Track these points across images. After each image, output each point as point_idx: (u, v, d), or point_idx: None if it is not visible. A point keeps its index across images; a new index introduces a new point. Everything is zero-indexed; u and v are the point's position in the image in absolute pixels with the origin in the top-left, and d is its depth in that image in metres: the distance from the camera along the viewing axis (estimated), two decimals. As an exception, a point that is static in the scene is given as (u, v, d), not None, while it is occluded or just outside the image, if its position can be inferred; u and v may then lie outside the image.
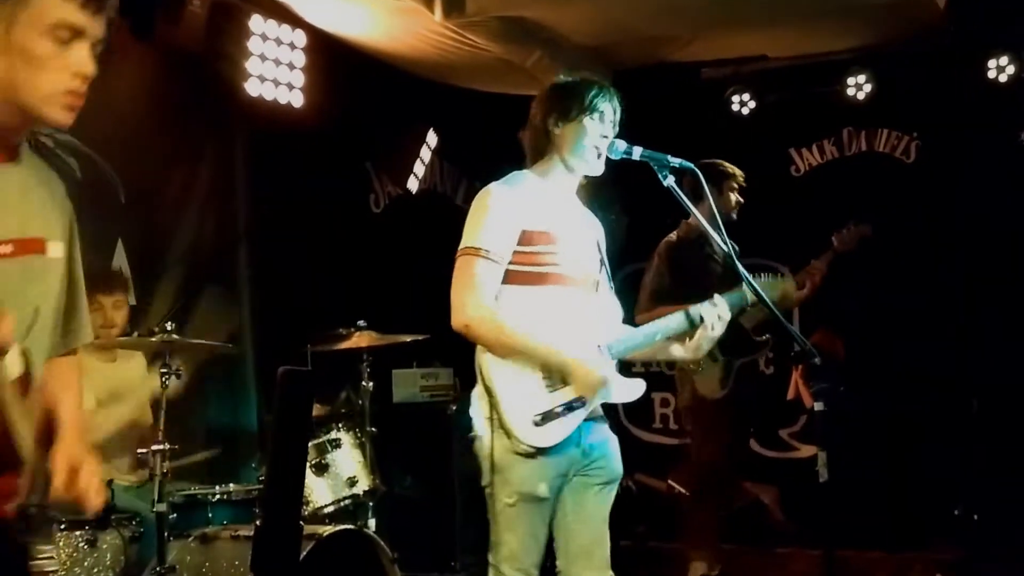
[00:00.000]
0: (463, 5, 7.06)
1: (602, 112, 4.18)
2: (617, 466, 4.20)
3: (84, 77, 2.56)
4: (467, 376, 4.22)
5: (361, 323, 6.52)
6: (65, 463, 2.56)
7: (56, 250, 2.71)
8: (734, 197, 6.77)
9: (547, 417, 3.95)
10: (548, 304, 4.05)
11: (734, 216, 6.74)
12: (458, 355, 4.52)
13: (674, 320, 4.28)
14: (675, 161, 4.08)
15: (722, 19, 7.83)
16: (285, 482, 5.27)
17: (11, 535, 2.38)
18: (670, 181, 4.09)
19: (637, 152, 4.13)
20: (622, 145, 4.16)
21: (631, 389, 4.22)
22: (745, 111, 9.42)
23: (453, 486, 7.29)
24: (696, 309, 4.25)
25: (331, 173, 8.10)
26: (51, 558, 2.50)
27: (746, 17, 7.82)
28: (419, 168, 8.87)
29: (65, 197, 2.83)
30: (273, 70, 7.27)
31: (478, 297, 3.95)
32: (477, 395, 4.06)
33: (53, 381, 2.76)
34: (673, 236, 6.76)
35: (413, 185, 8.84)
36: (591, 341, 4.14)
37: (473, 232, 4.05)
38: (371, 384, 6.47)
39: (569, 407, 3.99)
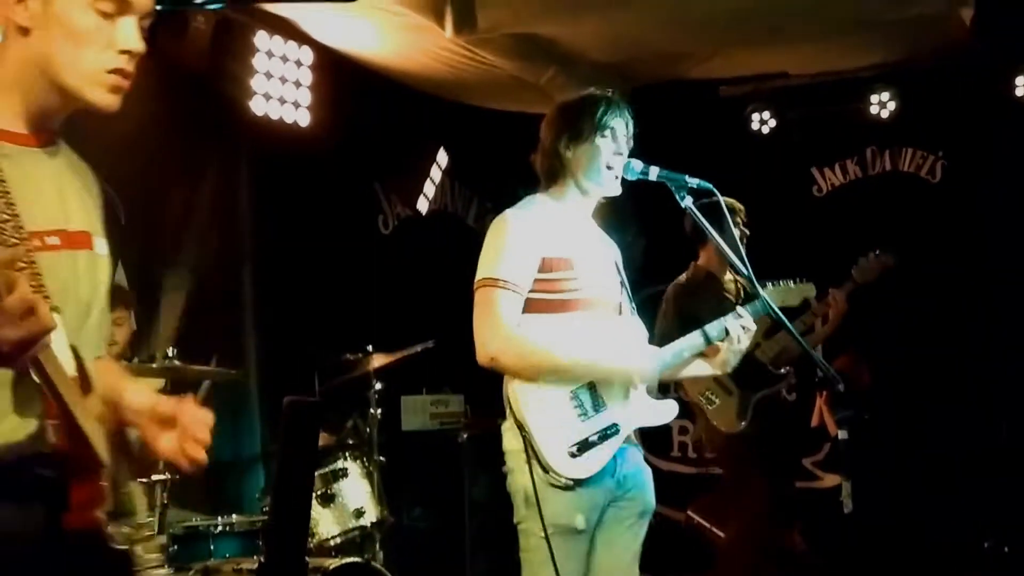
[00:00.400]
0: (474, 21, 7.05)
1: (613, 129, 4.17)
2: (650, 498, 4.18)
3: (131, 54, 2.46)
4: (478, 403, 4.20)
5: (369, 348, 6.51)
6: (159, 423, 2.57)
7: (102, 246, 2.63)
8: (738, 232, 6.73)
9: (583, 447, 3.93)
10: (573, 331, 4.03)
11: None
12: (469, 381, 4.50)
13: (699, 337, 4.29)
14: (693, 181, 4.07)
15: (742, 35, 7.81)
16: (290, 514, 5.25)
17: (107, 542, 2.33)
18: (688, 202, 4.09)
19: (654, 172, 4.12)
20: (639, 165, 4.15)
21: (663, 412, 4.21)
22: (765, 130, 9.42)
23: (464, 517, 7.27)
24: (720, 322, 4.26)
25: (338, 193, 8.10)
26: (160, 567, 2.51)
27: (766, 33, 7.80)
28: (429, 188, 8.87)
29: (103, 189, 2.76)
30: (279, 88, 7.28)
31: (501, 328, 3.93)
32: (507, 428, 4.04)
33: (107, 377, 2.70)
34: (682, 278, 6.72)
35: (423, 205, 8.84)
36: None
37: (491, 262, 4.03)
38: (379, 411, 6.45)
39: (604, 435, 3.98)
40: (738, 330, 4.23)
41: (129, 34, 2.45)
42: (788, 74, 9.08)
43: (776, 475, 6.91)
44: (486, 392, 4.33)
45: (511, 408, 3.97)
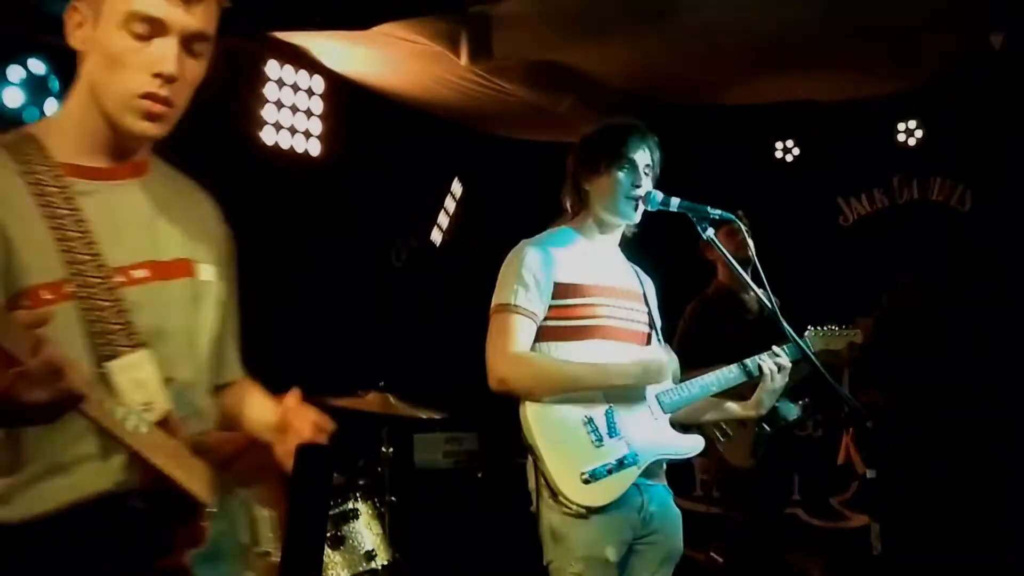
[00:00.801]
0: (490, 49, 7.07)
1: (633, 160, 4.18)
2: (677, 542, 4.17)
3: (164, 77, 2.42)
4: (494, 440, 4.19)
5: (380, 384, 6.50)
6: (279, 433, 2.55)
7: (208, 273, 2.64)
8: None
9: (596, 474, 3.91)
10: (592, 358, 4.04)
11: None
12: (484, 418, 4.50)
13: (730, 371, 4.28)
14: (715, 212, 4.09)
15: (765, 62, 7.81)
16: (301, 568, 5.23)
17: None
18: (710, 233, 4.10)
19: (675, 203, 4.13)
20: (659, 195, 4.16)
21: (687, 445, 4.20)
22: (789, 158, 9.41)
23: (480, 559, 7.24)
24: (754, 360, 4.25)
25: (349, 225, 8.11)
26: None
27: (790, 60, 7.80)
28: (443, 219, 8.87)
29: (217, 219, 2.78)
30: (289, 117, 7.31)
31: (509, 350, 3.95)
32: (530, 465, 4.03)
33: (233, 403, 2.75)
34: (703, 295, 6.73)
35: (436, 237, 8.84)
36: (642, 393, 4.13)
37: (505, 288, 4.08)
38: (391, 450, 6.44)
39: (620, 463, 3.96)
40: (772, 368, 4.23)
41: (162, 56, 2.41)
42: (813, 101, 9.06)
43: (772, 506, 6.97)
44: (503, 428, 4.31)
45: (523, 434, 3.97)
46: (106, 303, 2.34)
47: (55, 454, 2.32)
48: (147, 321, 2.41)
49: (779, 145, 9.38)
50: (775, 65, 7.90)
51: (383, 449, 6.42)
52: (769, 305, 4.11)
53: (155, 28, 2.40)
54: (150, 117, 2.44)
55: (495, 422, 4.13)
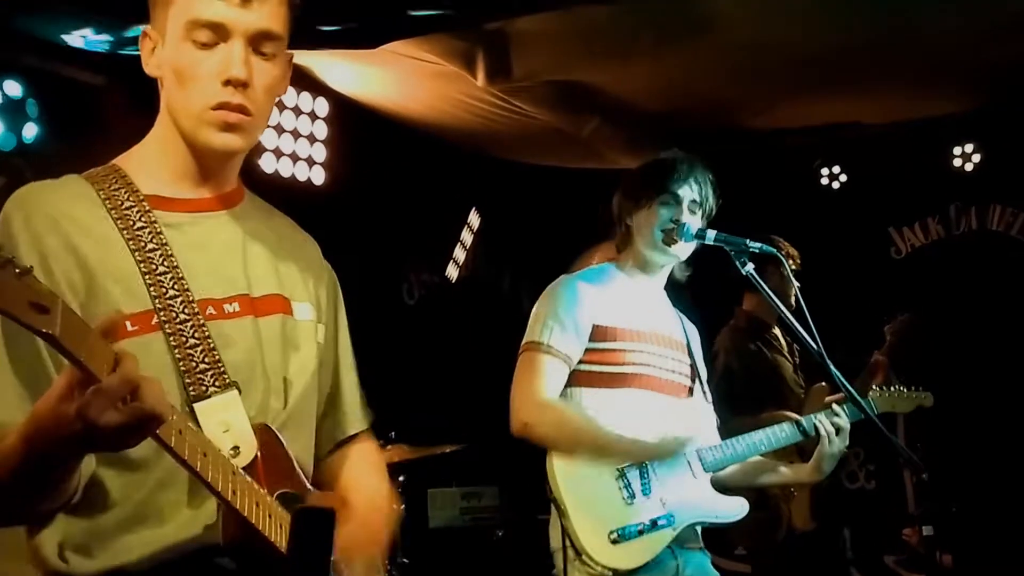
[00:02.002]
0: (509, 69, 7.06)
1: (676, 195, 4.18)
2: None
3: (234, 83, 2.43)
4: (515, 495, 4.18)
5: (391, 435, 6.49)
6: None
7: (304, 312, 2.64)
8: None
9: (626, 534, 3.88)
10: (627, 408, 4.02)
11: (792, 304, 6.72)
12: (505, 471, 4.48)
13: (782, 430, 4.25)
14: (755, 245, 4.07)
15: (808, 80, 7.79)
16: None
17: None
18: (749, 268, 4.07)
19: (710, 235, 4.12)
20: (693, 227, 4.14)
21: (729, 509, 4.17)
22: (835, 185, 9.39)
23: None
24: (809, 419, 4.23)
25: (357, 260, 8.09)
26: None
27: (836, 78, 7.78)
28: (459, 253, 8.88)
29: (318, 260, 2.81)
30: (291, 143, 7.32)
31: (536, 394, 3.93)
32: (552, 524, 4.01)
33: (350, 468, 2.75)
34: (733, 327, 6.72)
35: (452, 272, 8.84)
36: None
37: (538, 325, 4.08)
38: (403, 507, 6.42)
39: (654, 523, 3.93)
40: (830, 429, 4.22)
41: (228, 61, 2.43)
42: (861, 123, 9.04)
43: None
44: (525, 483, 4.29)
45: (549, 487, 3.94)
46: (194, 340, 2.37)
47: (141, 499, 2.32)
48: (237, 357, 2.43)
49: (825, 171, 9.37)
50: (818, 84, 7.89)
51: (394, 506, 6.39)
52: (815, 348, 4.07)
53: (217, 33, 2.42)
54: (227, 128, 2.45)
55: (518, 475, 4.10)
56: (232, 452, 2.33)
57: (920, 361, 7.21)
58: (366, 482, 2.80)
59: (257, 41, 2.46)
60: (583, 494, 3.91)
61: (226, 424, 2.35)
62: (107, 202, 2.43)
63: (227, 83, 2.42)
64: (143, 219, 2.43)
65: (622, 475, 3.96)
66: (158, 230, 2.43)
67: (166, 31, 2.44)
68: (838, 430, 4.24)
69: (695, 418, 4.23)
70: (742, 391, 6.27)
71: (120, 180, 2.48)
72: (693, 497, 4.07)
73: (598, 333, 4.07)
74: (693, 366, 4.33)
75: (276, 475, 2.41)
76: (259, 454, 2.38)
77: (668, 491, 4.00)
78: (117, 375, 1.93)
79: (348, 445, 2.83)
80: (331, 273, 2.84)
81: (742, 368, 6.47)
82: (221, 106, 2.43)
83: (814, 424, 4.26)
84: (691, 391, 4.29)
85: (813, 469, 4.31)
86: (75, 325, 1.87)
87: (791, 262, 6.54)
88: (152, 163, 2.53)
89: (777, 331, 6.73)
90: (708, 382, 4.45)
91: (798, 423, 4.30)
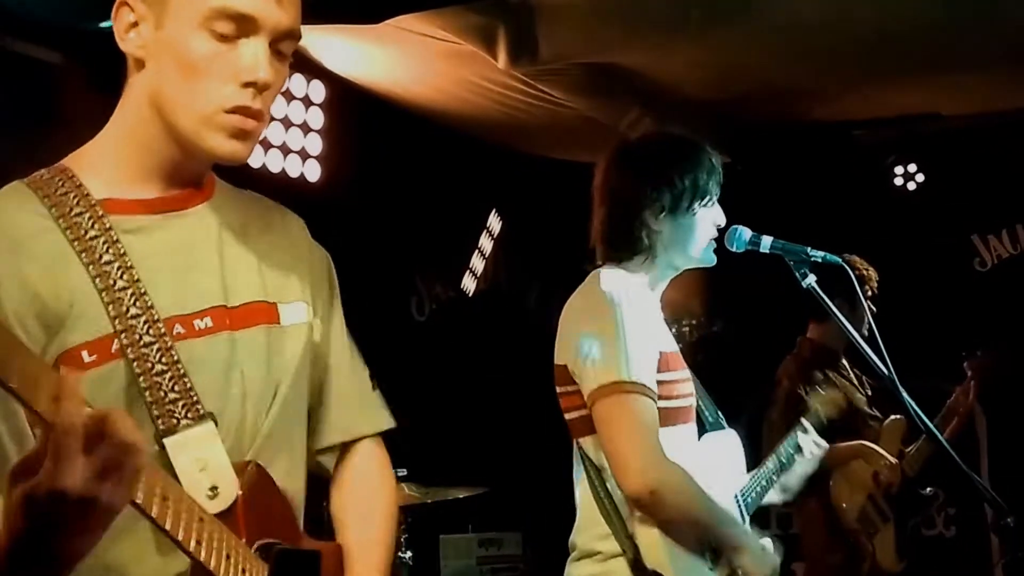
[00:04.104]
0: (535, 49, 7.02)
1: (712, 195, 4.14)
2: None
3: (257, 87, 2.41)
4: (541, 543, 4.16)
5: (400, 472, 6.48)
6: None
7: (295, 314, 2.61)
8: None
9: None
10: (680, 450, 3.97)
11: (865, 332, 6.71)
12: (529, 514, 4.47)
13: (784, 450, 4.33)
14: (817, 255, 4.06)
15: (880, 65, 7.77)
16: None
17: None
18: (811, 281, 4.05)
19: (766, 243, 4.11)
20: (747, 234, 4.12)
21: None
22: (911, 186, 9.38)
23: None
24: (793, 437, 4.30)
25: (358, 270, 8.09)
26: None
27: (913, 62, 7.76)
28: (477, 262, 8.87)
29: (307, 241, 2.79)
30: (281, 134, 7.28)
31: (661, 452, 3.85)
32: (579, 567, 3.99)
33: (340, 500, 2.75)
34: (796, 355, 6.71)
35: (469, 284, 8.84)
36: (728, 492, 4.12)
37: (618, 359, 3.91)
38: (410, 555, 6.42)
39: None
40: (810, 447, 4.27)
41: (254, 61, 2.40)
42: (941, 115, 9.02)
43: None
44: (552, 529, 4.27)
45: (641, 550, 3.89)
46: (162, 366, 2.33)
47: (100, 549, 2.15)
48: (210, 382, 2.39)
49: (899, 170, 9.35)
50: (892, 69, 7.87)
51: (400, 555, 6.39)
52: (886, 373, 4.05)
53: (244, 27, 2.39)
54: (240, 136, 2.43)
55: (544, 519, 4.08)
56: (210, 493, 2.29)
57: (1008, 402, 7.22)
58: (357, 525, 2.76)
59: (280, 40, 2.45)
60: (685, 567, 3.89)
61: (202, 461, 2.31)
62: (53, 210, 2.38)
63: (248, 85, 2.39)
64: (96, 227, 2.38)
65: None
66: (114, 238, 2.38)
67: (167, 10, 2.39)
68: (816, 446, 4.31)
69: (739, 455, 4.26)
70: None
71: (68, 182, 2.43)
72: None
73: (662, 362, 3.98)
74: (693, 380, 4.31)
75: (261, 520, 2.37)
76: (240, 495, 2.34)
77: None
78: (71, 408, 1.83)
79: (345, 458, 2.81)
80: (322, 252, 2.83)
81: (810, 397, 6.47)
82: (239, 110, 2.40)
83: (795, 442, 4.32)
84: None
85: (783, 489, 4.39)
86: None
87: (867, 286, 6.53)
88: (111, 160, 2.48)
89: (846, 362, 6.73)
90: (767, 409, 4.48)
91: (787, 446, 4.41)
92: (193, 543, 2.13)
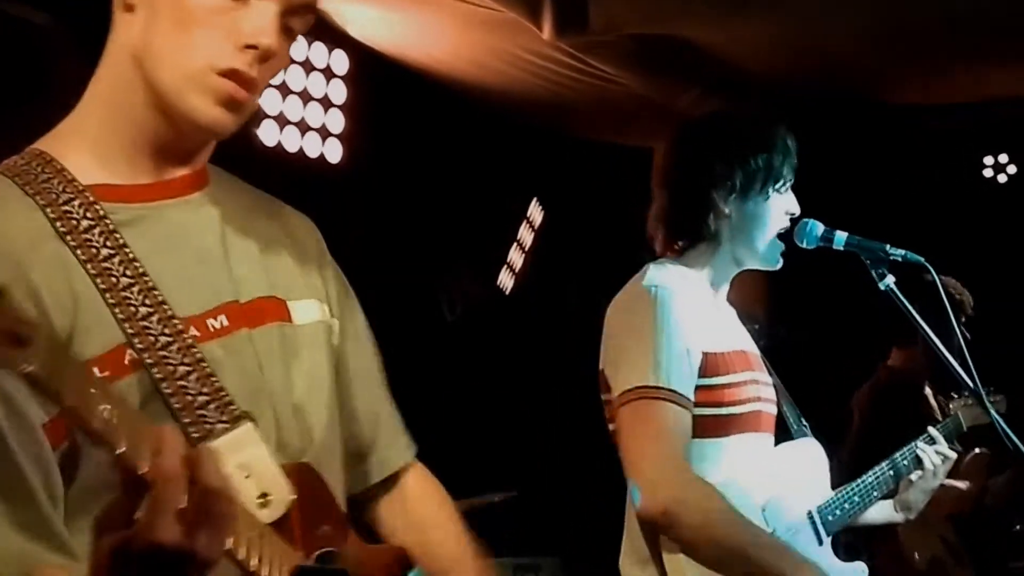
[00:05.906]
0: (585, 18, 7.01)
1: (788, 180, 4.12)
2: None
3: (257, 52, 2.29)
4: (581, 569, 4.16)
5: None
6: None
7: (308, 312, 2.56)
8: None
9: None
10: (736, 462, 3.95)
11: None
12: (569, 535, 4.45)
13: (882, 470, 4.32)
14: (898, 253, 4.03)
15: (968, 44, 7.75)
16: None
17: None
18: (889, 282, 4.02)
19: (841, 239, 4.09)
20: (819, 229, 4.10)
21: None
22: (1002, 178, 9.37)
23: None
24: (911, 448, 4.27)
25: (383, 263, 8.11)
26: None
27: (1003, 42, 7.73)
28: (515, 256, 8.88)
29: (314, 239, 2.75)
30: (299, 109, 7.27)
31: (680, 463, 3.82)
32: None
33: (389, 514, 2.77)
34: (874, 383, 6.69)
35: (506, 282, 8.84)
36: (801, 508, 4.09)
37: (646, 361, 3.87)
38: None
39: None
40: (934, 460, 4.23)
41: (262, 23, 2.28)
42: (1036, 100, 9.00)
43: None
44: (595, 552, 4.27)
45: (665, 566, 3.87)
46: (185, 367, 2.24)
47: None
48: (238, 386, 2.30)
49: (989, 161, 9.33)
50: (981, 49, 7.85)
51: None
52: (972, 387, 4.03)
53: None
54: (229, 104, 2.32)
55: (586, 541, 4.07)
56: (260, 501, 2.21)
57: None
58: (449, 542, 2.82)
59: (293, 12, 2.35)
60: None
61: (246, 467, 2.21)
62: (37, 198, 2.26)
63: (249, 48, 2.29)
64: (89, 215, 2.27)
65: None
66: (110, 227, 2.27)
67: None
68: (943, 458, 4.27)
69: (820, 468, 4.24)
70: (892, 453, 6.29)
71: (48, 167, 2.31)
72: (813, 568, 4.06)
73: (709, 365, 3.92)
74: (775, 385, 4.28)
75: (317, 527, 2.31)
76: (294, 501, 2.26)
77: (786, 564, 3.98)
78: (170, 442, 1.81)
79: (395, 486, 2.84)
80: (333, 261, 2.78)
81: (890, 427, 6.44)
82: (230, 74, 2.29)
83: (914, 455, 4.29)
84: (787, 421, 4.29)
85: (905, 505, 4.37)
86: (63, 362, 1.72)
87: (961, 313, 6.47)
88: (91, 138, 2.37)
89: (929, 392, 6.68)
90: (837, 451, 4.47)
91: (893, 459, 4.35)
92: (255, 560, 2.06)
